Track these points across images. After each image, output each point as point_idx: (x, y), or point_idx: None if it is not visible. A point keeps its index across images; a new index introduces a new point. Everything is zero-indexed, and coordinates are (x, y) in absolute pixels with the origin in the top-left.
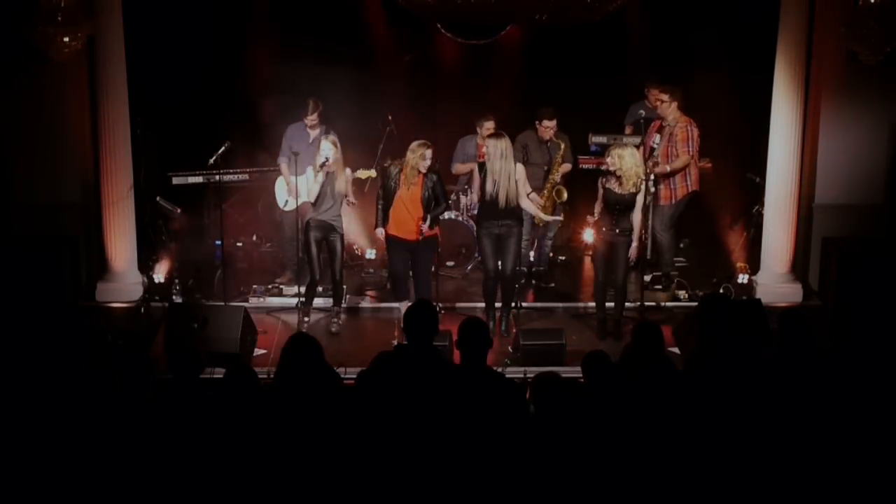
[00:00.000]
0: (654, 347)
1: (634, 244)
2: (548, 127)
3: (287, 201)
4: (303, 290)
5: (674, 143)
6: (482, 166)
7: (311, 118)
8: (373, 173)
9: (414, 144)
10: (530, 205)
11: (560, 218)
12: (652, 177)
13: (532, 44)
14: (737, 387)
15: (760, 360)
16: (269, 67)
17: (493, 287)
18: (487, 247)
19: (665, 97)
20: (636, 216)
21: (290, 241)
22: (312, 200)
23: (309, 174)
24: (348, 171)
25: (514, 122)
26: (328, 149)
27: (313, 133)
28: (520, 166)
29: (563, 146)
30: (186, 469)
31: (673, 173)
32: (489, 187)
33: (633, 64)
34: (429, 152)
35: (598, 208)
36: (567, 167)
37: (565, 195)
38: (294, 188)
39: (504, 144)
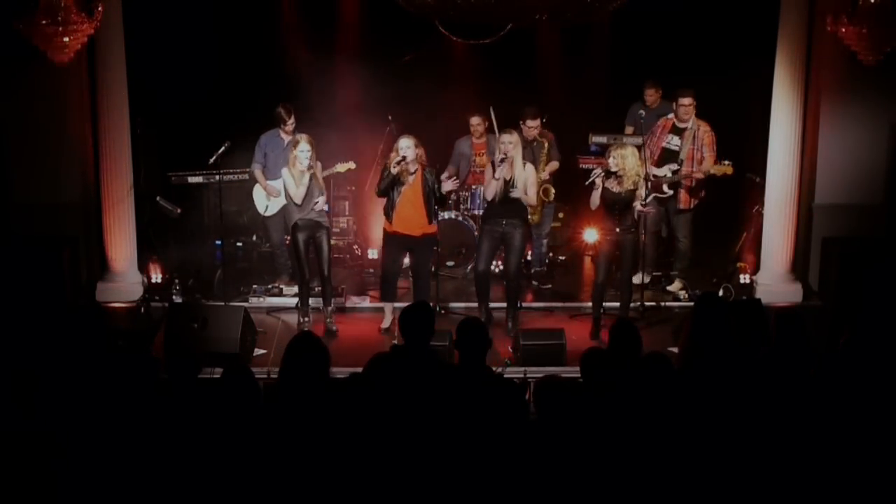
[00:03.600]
0: (630, 346)
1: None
2: (532, 126)
3: (267, 206)
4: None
5: (699, 147)
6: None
7: (291, 122)
8: (352, 165)
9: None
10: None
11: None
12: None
13: (532, 43)
14: (731, 387)
15: (757, 359)
16: (269, 67)
17: (484, 282)
18: (485, 244)
19: (687, 101)
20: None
21: (279, 245)
22: (299, 202)
23: (285, 176)
24: (318, 163)
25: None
26: (307, 150)
27: (287, 138)
28: (529, 164)
29: (546, 144)
30: (186, 469)
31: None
32: (502, 183)
33: (632, 64)
34: (403, 141)
35: (596, 200)
36: (554, 165)
37: (553, 193)
38: (273, 191)
39: (518, 137)
